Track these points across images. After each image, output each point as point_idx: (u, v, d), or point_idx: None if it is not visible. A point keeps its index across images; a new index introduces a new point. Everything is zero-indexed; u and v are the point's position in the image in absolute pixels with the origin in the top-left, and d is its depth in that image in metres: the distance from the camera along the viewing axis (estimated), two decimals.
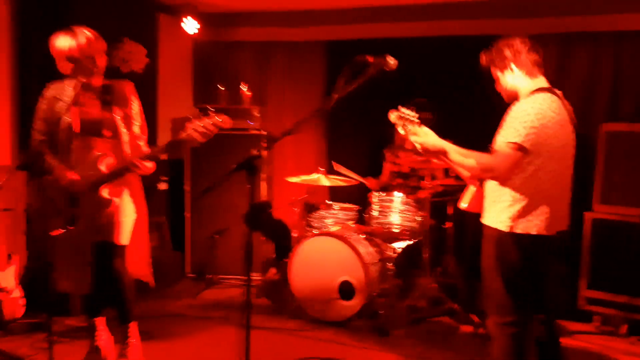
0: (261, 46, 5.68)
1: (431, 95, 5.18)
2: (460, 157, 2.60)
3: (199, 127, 2.85)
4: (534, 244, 2.55)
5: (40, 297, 3.83)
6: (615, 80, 4.53)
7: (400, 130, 2.70)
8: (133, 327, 3.31)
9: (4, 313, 3.66)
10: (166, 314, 4.30)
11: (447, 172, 4.34)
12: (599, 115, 4.50)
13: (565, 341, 3.94)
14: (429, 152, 2.70)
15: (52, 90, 3.18)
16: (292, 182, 4.58)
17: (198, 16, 5.41)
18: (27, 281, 3.87)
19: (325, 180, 4.43)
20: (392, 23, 5.10)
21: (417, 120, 2.68)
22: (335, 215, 4.55)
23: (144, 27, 5.19)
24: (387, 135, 4.47)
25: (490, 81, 2.79)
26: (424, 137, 2.66)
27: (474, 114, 4.70)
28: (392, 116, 2.72)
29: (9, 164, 3.99)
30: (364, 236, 4.29)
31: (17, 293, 3.76)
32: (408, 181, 4.83)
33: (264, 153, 2.30)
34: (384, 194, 4.43)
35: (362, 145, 5.22)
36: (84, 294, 3.34)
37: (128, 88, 3.22)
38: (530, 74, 2.63)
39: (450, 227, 4.44)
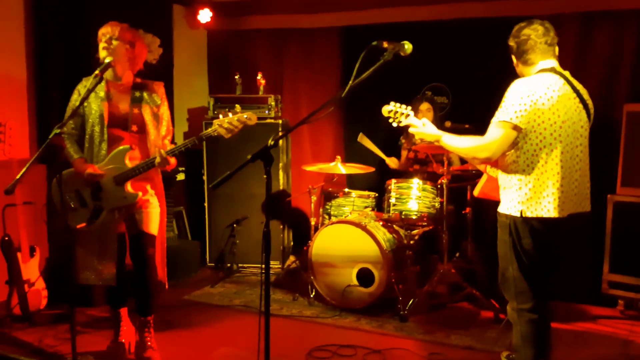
0: (276, 34, 5.65)
1: (448, 80, 5.14)
2: (455, 142, 2.72)
3: (225, 124, 2.95)
4: (547, 227, 2.54)
5: (63, 288, 3.88)
6: (638, 60, 4.41)
7: (393, 124, 2.88)
8: (151, 320, 3.35)
9: (28, 304, 3.72)
10: (186, 303, 4.34)
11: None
12: (621, 96, 4.39)
13: (589, 326, 3.91)
14: (425, 141, 2.91)
15: (85, 83, 3.17)
16: (309, 171, 4.57)
17: (212, 5, 5.40)
18: (50, 273, 3.93)
19: (342, 169, 4.41)
20: (407, 7, 5.01)
21: (409, 113, 2.86)
22: (353, 203, 4.54)
23: (158, 18, 5.20)
24: None
25: (507, 65, 2.84)
26: (420, 127, 2.82)
27: (491, 98, 4.60)
28: (384, 110, 2.89)
29: (28, 158, 4.03)
30: (382, 223, 4.28)
31: (40, 284, 3.82)
32: (425, 167, 4.80)
33: (281, 142, 2.30)
34: (402, 181, 4.40)
35: (379, 133, 5.18)
36: (107, 286, 3.37)
37: (160, 89, 3.29)
38: (540, 58, 2.64)
39: (469, 213, 4.40)
